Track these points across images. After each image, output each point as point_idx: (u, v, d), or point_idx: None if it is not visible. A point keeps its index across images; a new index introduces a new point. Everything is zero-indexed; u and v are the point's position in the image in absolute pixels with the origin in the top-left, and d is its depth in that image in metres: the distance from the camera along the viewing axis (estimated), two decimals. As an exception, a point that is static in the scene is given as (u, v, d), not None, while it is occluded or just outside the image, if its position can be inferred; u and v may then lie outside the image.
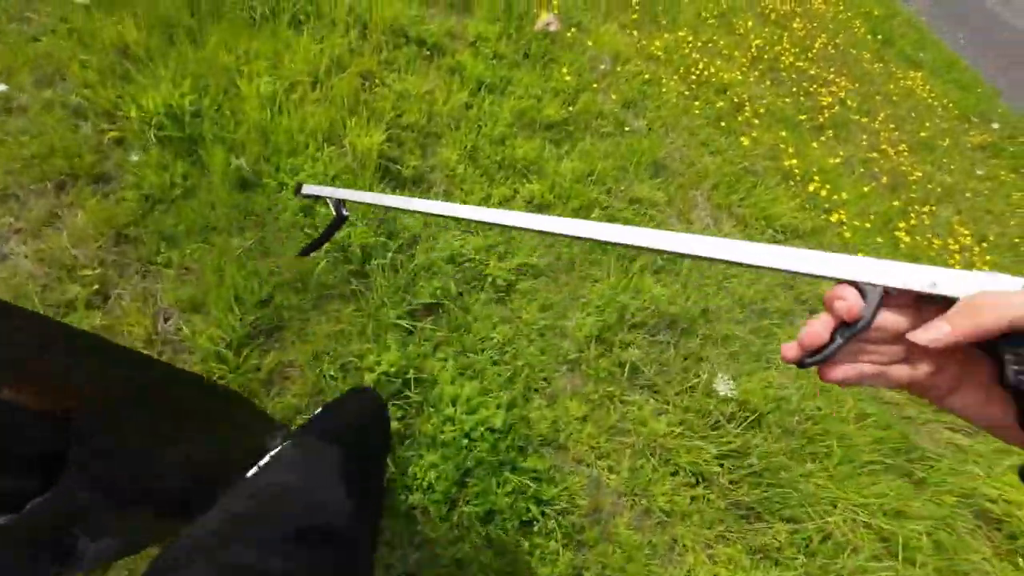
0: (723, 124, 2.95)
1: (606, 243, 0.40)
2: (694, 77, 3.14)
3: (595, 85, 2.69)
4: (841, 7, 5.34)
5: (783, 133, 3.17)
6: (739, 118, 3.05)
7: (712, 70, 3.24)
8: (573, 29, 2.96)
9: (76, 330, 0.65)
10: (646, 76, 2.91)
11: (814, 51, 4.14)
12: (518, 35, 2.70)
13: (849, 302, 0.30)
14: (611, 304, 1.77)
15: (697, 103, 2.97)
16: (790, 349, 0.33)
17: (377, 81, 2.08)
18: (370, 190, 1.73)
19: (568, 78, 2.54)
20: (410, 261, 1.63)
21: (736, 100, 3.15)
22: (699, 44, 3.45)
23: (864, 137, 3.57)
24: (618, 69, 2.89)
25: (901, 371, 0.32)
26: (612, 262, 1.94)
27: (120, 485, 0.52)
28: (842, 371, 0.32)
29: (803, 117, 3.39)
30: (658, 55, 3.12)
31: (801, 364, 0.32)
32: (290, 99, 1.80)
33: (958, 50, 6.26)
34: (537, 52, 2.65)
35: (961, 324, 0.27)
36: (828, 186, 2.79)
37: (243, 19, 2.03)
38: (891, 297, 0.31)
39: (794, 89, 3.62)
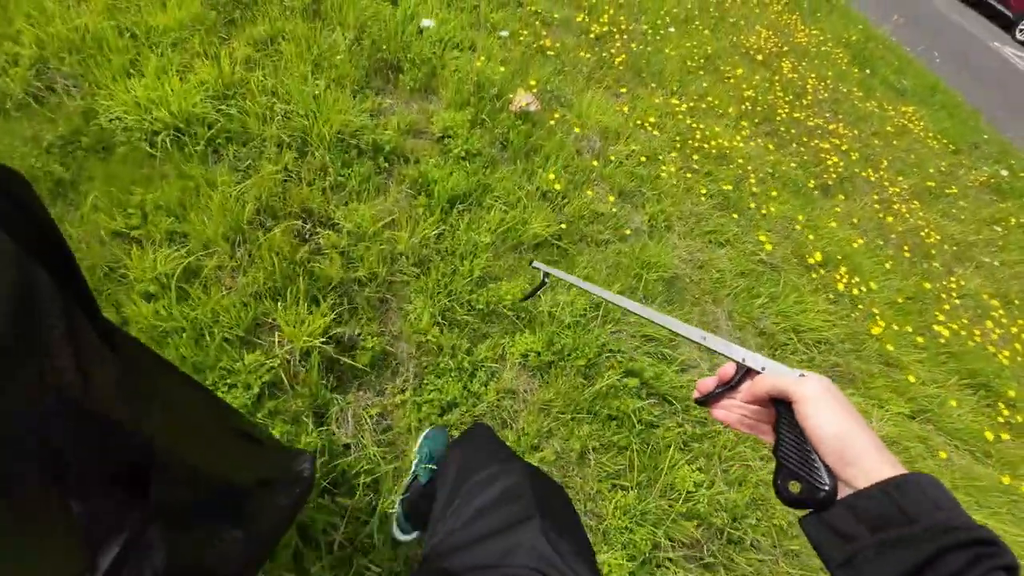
0: (729, 203, 2.61)
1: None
2: (691, 147, 2.79)
3: (586, 179, 2.31)
4: (820, 36, 5.14)
5: (794, 203, 2.86)
6: (745, 193, 2.72)
7: (709, 135, 2.90)
8: (555, 107, 2.59)
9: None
10: (641, 158, 2.55)
11: (807, 97, 3.87)
12: (493, 121, 2.30)
13: (727, 372, 0.54)
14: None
15: (699, 183, 2.62)
16: (695, 392, 0.57)
17: (320, 222, 1.64)
18: (314, 399, 1.29)
19: (557, 185, 2.15)
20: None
21: (740, 171, 2.82)
22: (690, 105, 3.12)
23: (874, 195, 3.29)
24: (609, 150, 2.51)
25: (744, 423, 0.53)
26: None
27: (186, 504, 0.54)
28: (718, 413, 0.55)
29: (812, 184, 3.08)
30: (650, 126, 2.77)
31: (697, 401, 0.57)
32: (198, 279, 1.35)
33: (935, 69, 6.16)
34: (517, 142, 2.26)
35: (748, 393, 0.52)
36: (855, 278, 2.47)
37: (140, 152, 1.57)
38: (752, 372, 0.52)
39: (795, 146, 3.32)
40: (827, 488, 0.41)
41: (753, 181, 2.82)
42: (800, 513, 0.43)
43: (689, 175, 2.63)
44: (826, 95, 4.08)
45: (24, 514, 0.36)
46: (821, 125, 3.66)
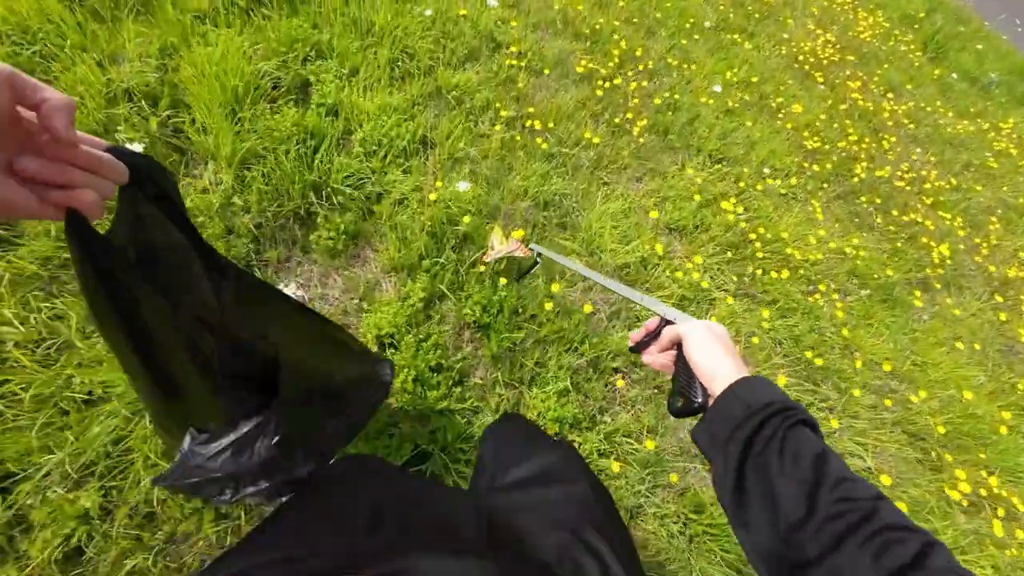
0: (814, 375, 1.81)
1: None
2: (748, 268, 1.97)
3: (610, 397, 1.52)
4: (883, 22, 4.06)
5: (890, 325, 2.05)
6: (826, 331, 1.91)
7: (770, 237, 2.06)
8: (553, 238, 1.76)
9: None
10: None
11: (887, 139, 2.92)
12: (460, 295, 1.50)
13: (651, 324, 0.64)
14: None
15: (765, 339, 1.82)
16: (629, 341, 0.66)
17: None
18: None
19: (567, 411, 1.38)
20: None
21: (808, 279, 1.99)
22: (740, 185, 2.25)
23: (985, 292, 2.43)
24: (629, 329, 1.70)
25: (664, 365, 0.63)
26: None
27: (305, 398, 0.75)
28: (646, 358, 0.64)
29: (909, 277, 2.24)
30: (689, 271, 1.91)
31: (630, 349, 0.66)
32: None
33: (1018, 43, 5.02)
34: (498, 332, 1.47)
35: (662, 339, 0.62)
36: (1003, 488, 1.69)
37: None
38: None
39: (880, 221, 2.45)
40: (698, 400, 0.54)
41: (837, 301, 2.00)
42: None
43: (757, 339, 1.81)
44: (908, 123, 3.12)
45: (189, 389, 0.60)
46: (911, 178, 2.75)
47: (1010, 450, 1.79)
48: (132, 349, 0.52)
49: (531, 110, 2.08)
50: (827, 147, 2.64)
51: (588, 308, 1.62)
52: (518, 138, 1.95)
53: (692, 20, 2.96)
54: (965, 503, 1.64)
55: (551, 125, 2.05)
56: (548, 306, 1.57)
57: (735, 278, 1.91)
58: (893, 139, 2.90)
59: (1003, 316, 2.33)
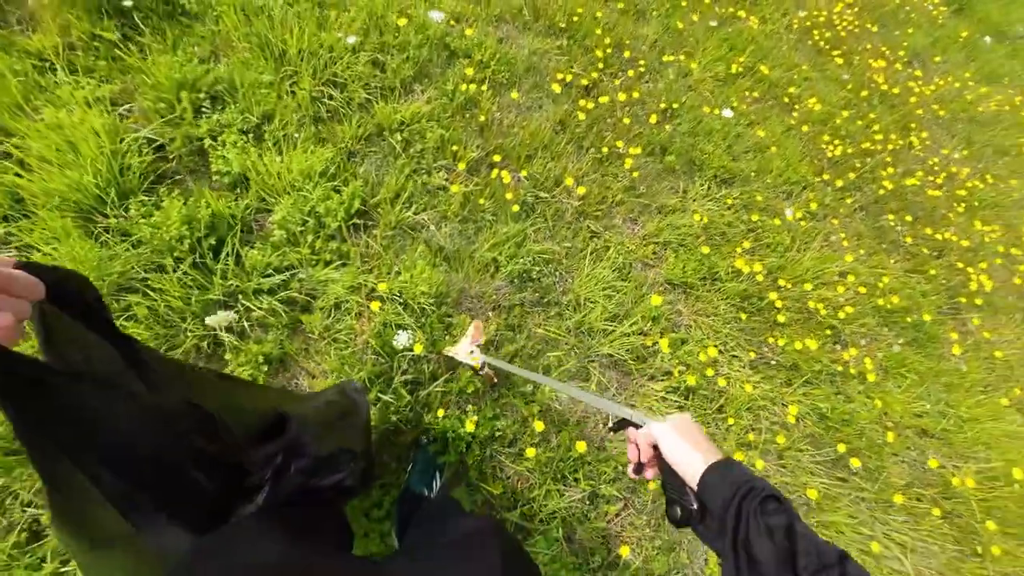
0: (844, 450, 1.55)
1: None
2: (767, 353, 1.66)
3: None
4: None
5: (918, 374, 1.78)
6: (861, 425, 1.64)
7: (794, 301, 1.74)
8: (532, 329, 1.43)
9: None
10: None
11: (916, 134, 2.52)
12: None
13: (632, 438, 0.69)
14: None
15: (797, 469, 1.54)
16: (630, 473, 0.69)
17: None
18: None
19: None
20: None
21: (836, 338, 1.71)
22: (750, 241, 1.89)
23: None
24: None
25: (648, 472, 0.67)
26: None
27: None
28: (648, 474, 0.66)
29: (942, 308, 1.96)
30: (696, 354, 1.58)
31: (634, 473, 0.68)
32: None
33: None
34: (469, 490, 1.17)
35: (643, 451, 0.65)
36: None
37: None
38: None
39: (907, 243, 2.13)
40: (694, 506, 0.56)
41: (867, 362, 1.72)
42: None
43: (782, 438, 1.52)
44: (938, 108, 2.72)
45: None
46: (943, 179, 2.39)
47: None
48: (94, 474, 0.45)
49: (499, 144, 1.68)
50: (849, 150, 2.27)
51: (581, 444, 1.32)
52: (483, 201, 1.56)
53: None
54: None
55: (524, 173, 1.66)
56: (539, 427, 1.27)
57: (752, 355, 1.61)
58: (924, 135, 2.51)
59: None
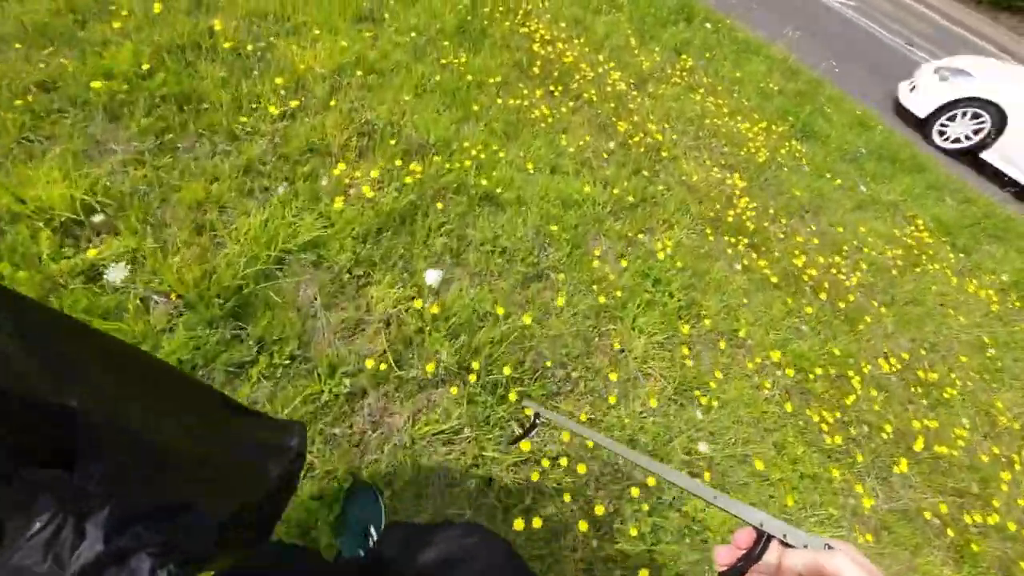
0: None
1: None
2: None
3: None
4: (761, 123, 4.47)
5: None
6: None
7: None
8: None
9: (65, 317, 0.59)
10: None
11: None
12: None
13: (742, 538, 0.47)
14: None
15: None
16: (717, 564, 0.48)
17: None
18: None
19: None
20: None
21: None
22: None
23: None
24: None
25: None
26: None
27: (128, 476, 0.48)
28: None
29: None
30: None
31: (721, 575, 0.48)
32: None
33: (842, 85, 5.59)
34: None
35: (781, 568, 0.45)
36: None
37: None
38: (771, 541, 0.46)
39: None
40: None
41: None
42: None
43: None
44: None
45: None
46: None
47: None
48: None
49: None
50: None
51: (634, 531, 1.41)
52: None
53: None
54: None
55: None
56: (583, 527, 1.39)
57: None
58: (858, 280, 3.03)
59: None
